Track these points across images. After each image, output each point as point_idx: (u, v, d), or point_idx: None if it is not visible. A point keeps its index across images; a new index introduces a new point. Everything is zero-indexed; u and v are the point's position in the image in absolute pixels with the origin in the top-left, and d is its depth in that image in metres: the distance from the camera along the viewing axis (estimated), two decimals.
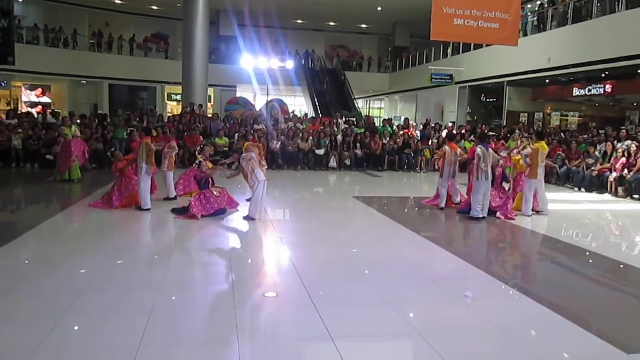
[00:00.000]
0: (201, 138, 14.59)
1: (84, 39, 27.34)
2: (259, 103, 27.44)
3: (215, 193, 8.23)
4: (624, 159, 11.74)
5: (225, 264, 5.86)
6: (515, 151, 9.80)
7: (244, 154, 8.18)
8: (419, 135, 17.43)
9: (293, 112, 23.67)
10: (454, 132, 14.38)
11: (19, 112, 18.57)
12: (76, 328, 3.90)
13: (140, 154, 8.43)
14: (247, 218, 7.94)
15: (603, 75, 16.48)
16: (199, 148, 9.85)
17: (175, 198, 9.25)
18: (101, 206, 8.52)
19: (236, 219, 8.04)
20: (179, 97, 24.51)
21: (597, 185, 12.16)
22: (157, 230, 7.85)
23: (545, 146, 9.49)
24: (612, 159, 12.16)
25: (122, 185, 8.66)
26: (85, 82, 27.52)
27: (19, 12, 24.45)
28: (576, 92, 18.39)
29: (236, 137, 14.52)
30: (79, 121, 13.91)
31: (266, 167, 8.91)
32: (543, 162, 9.04)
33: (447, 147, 9.55)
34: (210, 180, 8.41)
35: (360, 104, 31.43)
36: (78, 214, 8.35)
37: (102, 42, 27.56)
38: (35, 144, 13.69)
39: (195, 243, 6.83)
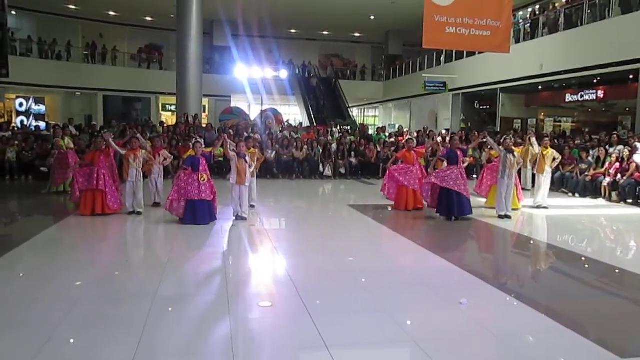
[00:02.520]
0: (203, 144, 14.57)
1: (78, 51, 27.39)
2: (254, 113, 27.49)
3: (201, 179, 8.04)
4: (617, 164, 11.81)
5: (220, 274, 5.85)
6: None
7: (248, 157, 8.57)
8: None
9: (287, 121, 23.72)
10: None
11: (13, 125, 18.57)
12: (71, 340, 3.88)
13: (157, 160, 9.45)
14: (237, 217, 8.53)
15: (595, 81, 16.60)
16: (191, 144, 9.96)
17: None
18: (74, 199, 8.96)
19: (230, 228, 8.03)
20: (173, 108, 24.53)
21: (591, 190, 12.21)
22: (151, 240, 7.85)
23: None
24: (606, 164, 12.22)
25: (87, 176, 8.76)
26: (79, 93, 27.55)
27: (12, 24, 24.45)
28: (569, 97, 18.50)
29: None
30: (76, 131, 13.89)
31: None
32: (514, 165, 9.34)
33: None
34: (203, 162, 8.19)
35: (354, 112, 31.55)
36: (73, 226, 8.32)
37: (95, 54, 27.58)
38: (29, 156, 13.66)
39: (190, 252, 6.81)
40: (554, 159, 10.73)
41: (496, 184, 9.68)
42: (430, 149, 11.82)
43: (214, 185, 8.34)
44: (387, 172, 10.45)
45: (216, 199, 8.34)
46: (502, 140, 9.79)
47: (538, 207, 10.47)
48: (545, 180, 10.61)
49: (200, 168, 8.09)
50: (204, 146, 8.59)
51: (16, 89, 24.62)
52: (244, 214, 8.56)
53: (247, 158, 8.53)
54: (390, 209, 10.02)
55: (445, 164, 9.41)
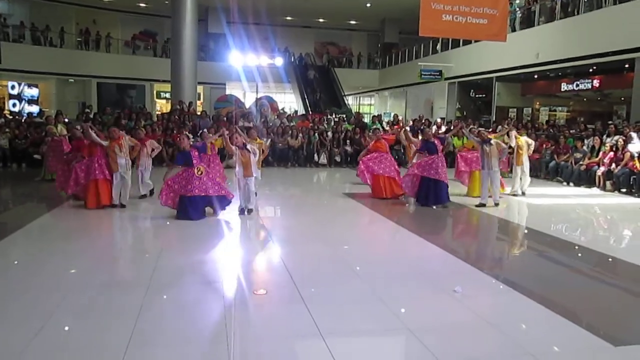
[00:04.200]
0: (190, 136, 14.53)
1: (71, 37, 27.10)
2: (249, 100, 27.35)
3: (198, 173, 7.57)
4: (611, 153, 11.83)
5: (215, 261, 5.85)
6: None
7: (249, 146, 8.15)
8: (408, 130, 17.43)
9: (283, 109, 23.63)
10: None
11: (5, 111, 18.43)
12: (66, 328, 3.88)
13: (144, 152, 9.05)
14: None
15: (591, 70, 16.60)
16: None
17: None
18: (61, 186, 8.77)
19: (225, 216, 8.00)
20: (168, 95, 24.38)
21: (586, 179, 12.26)
22: (145, 228, 7.81)
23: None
24: (600, 153, 12.25)
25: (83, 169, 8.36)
26: (72, 80, 27.29)
27: (4, 10, 24.22)
28: (564, 87, 18.52)
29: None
30: (66, 120, 13.77)
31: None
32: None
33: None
34: (194, 154, 7.70)
35: (350, 100, 31.43)
36: (67, 213, 8.27)
37: (89, 40, 27.33)
38: (22, 143, 13.57)
39: (184, 240, 6.79)
40: (529, 146, 10.77)
41: (474, 172, 10.22)
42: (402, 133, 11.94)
43: (217, 174, 8.04)
44: (360, 163, 10.34)
45: (224, 188, 7.96)
46: (477, 132, 9.83)
47: (514, 195, 10.58)
48: (525, 169, 10.69)
49: (194, 162, 7.62)
50: (191, 138, 8.09)
51: (9, 75, 24.36)
52: (251, 206, 8.21)
53: (248, 147, 8.10)
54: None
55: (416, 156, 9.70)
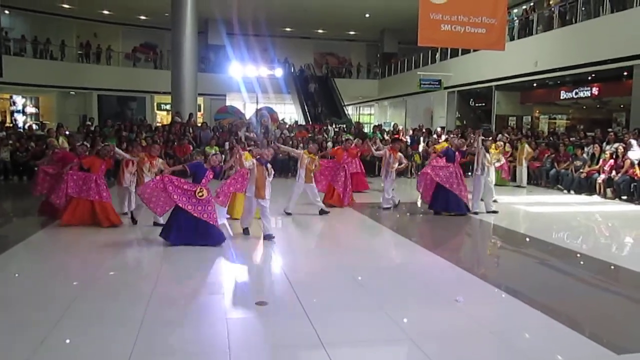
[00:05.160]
0: (191, 147, 14.57)
1: (72, 50, 27.24)
2: (249, 111, 27.43)
3: (199, 194, 6.63)
4: (611, 161, 11.84)
5: (216, 273, 5.84)
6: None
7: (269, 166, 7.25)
8: (408, 140, 17.49)
9: (283, 119, 23.69)
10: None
11: (7, 124, 18.48)
12: (67, 340, 3.87)
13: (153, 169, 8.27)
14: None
15: (590, 78, 16.65)
16: (187, 156, 9.51)
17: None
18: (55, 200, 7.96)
19: (226, 226, 8.00)
20: (168, 107, 24.46)
21: (586, 187, 12.25)
22: (147, 241, 7.78)
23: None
24: (600, 160, 12.26)
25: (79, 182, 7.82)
26: (73, 93, 27.39)
27: (6, 23, 24.32)
28: (563, 94, 18.55)
29: (226, 145, 14.53)
30: (67, 132, 13.82)
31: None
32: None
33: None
34: (209, 175, 6.82)
35: (350, 110, 31.52)
36: (68, 226, 8.24)
37: (90, 53, 27.47)
38: (23, 156, 13.59)
39: (186, 253, 6.77)
40: (498, 160, 10.88)
41: None
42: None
43: (214, 205, 6.95)
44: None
45: (215, 219, 6.87)
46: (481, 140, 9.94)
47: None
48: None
49: (203, 180, 6.74)
50: (222, 163, 7.29)
51: (10, 88, 24.46)
52: (270, 232, 7.32)
53: (268, 165, 7.19)
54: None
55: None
